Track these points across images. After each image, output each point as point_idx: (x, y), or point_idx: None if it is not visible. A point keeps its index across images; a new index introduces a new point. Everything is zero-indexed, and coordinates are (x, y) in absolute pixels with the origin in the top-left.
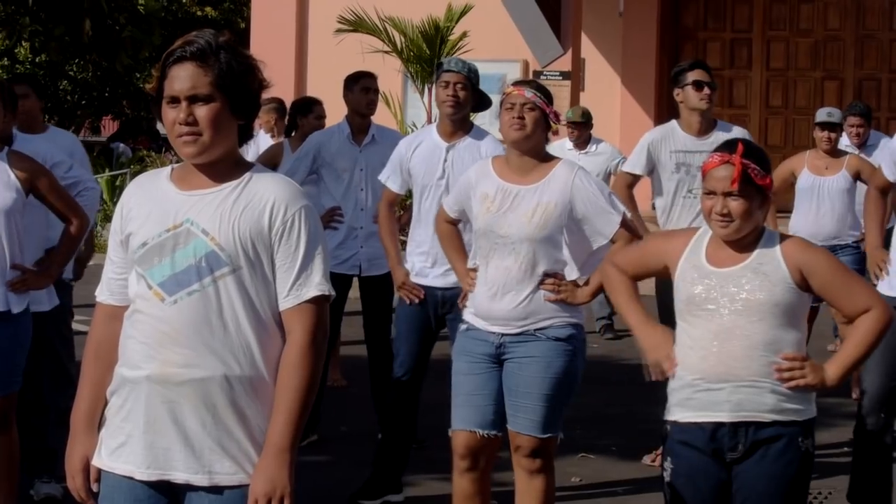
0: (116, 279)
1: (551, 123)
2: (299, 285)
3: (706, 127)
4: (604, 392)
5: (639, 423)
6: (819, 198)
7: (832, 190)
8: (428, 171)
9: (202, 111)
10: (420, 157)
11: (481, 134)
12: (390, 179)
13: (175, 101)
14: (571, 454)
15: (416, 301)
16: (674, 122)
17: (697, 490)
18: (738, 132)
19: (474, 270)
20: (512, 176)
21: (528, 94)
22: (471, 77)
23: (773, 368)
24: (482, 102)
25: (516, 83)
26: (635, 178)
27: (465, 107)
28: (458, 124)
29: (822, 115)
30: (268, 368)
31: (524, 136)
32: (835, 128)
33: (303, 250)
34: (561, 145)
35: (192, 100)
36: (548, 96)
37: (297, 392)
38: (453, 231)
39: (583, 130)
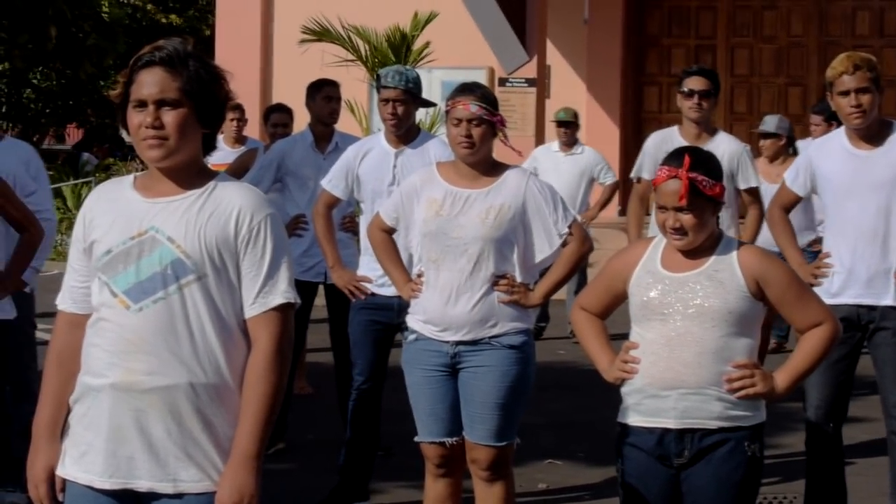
0: (79, 287)
1: (497, 131)
2: (265, 293)
3: (704, 136)
4: (571, 398)
5: (606, 429)
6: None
7: None
8: (378, 177)
9: (169, 116)
10: (369, 164)
11: (428, 137)
12: (333, 184)
13: (142, 104)
14: (538, 460)
15: (363, 297)
16: (675, 127)
17: (648, 490)
18: (736, 146)
19: (420, 276)
20: (461, 181)
21: (473, 108)
22: (410, 89)
23: (724, 379)
24: (426, 103)
25: (460, 93)
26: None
27: (406, 121)
28: (404, 134)
29: (762, 124)
30: (233, 376)
31: (471, 153)
32: (769, 136)
33: (269, 258)
34: (548, 147)
35: (160, 104)
36: (493, 104)
37: (263, 399)
38: (389, 240)
39: (574, 130)
